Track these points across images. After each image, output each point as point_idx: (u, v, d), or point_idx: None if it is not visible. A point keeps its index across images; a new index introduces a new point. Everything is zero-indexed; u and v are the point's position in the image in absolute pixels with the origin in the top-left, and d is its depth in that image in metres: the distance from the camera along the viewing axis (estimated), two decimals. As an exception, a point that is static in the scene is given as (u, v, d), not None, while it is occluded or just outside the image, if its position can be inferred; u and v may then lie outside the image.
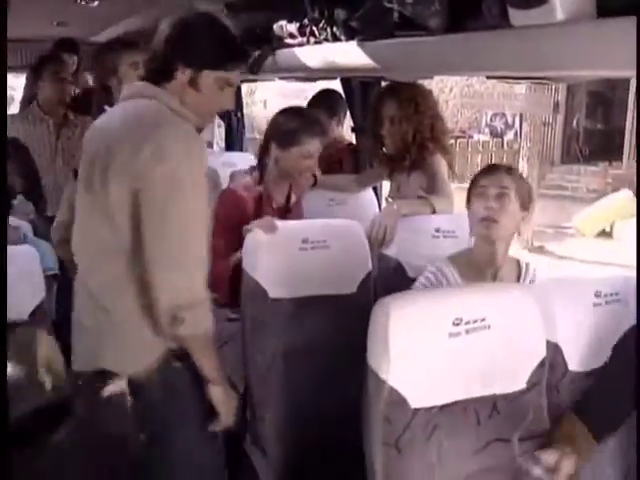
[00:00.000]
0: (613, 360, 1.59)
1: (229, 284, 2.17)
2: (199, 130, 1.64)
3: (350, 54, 2.15)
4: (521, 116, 12.01)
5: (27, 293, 1.91)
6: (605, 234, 9.15)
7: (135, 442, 1.62)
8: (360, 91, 3.09)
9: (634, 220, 8.10)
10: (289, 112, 2.36)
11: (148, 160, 1.51)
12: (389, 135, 2.49)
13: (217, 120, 4.35)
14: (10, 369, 1.52)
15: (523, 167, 9.30)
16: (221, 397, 1.66)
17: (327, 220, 2.31)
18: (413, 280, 2.00)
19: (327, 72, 2.63)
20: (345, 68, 2.33)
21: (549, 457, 1.44)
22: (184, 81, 1.60)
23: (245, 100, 4.88)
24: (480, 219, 1.86)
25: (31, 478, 1.58)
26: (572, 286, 1.71)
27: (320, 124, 2.33)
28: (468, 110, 12.84)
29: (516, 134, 12.14)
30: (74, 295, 1.73)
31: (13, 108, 4.08)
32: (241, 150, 4.27)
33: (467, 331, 1.42)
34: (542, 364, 1.52)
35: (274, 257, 2.04)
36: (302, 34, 2.45)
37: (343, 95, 3.20)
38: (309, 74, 2.78)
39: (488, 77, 2.38)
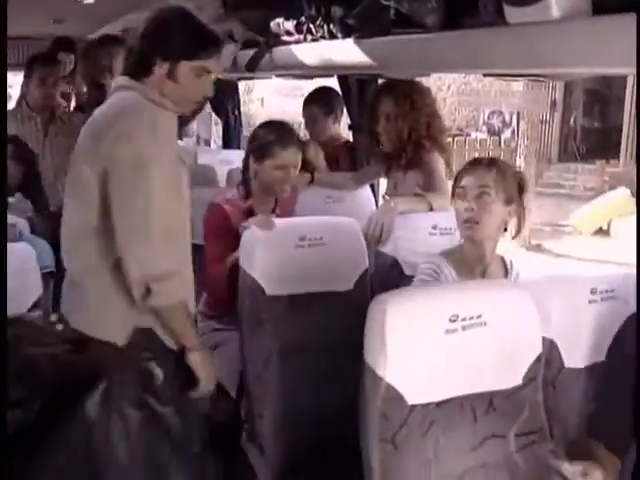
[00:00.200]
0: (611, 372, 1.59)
1: (227, 284, 2.19)
2: (188, 118, 1.76)
3: (347, 51, 2.16)
4: (518, 114, 12.03)
5: (24, 290, 1.91)
6: (602, 232, 9.16)
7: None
8: (357, 88, 3.09)
9: (631, 218, 8.13)
10: (266, 125, 2.42)
11: (113, 142, 1.62)
12: (385, 132, 2.49)
13: (214, 118, 4.35)
14: None
15: (520, 165, 9.30)
16: (200, 362, 1.75)
17: (324, 217, 2.31)
18: (410, 277, 2.01)
19: (324, 69, 2.63)
20: (342, 65, 2.33)
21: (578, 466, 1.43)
22: (162, 74, 1.69)
23: (242, 98, 4.88)
24: (462, 221, 1.86)
25: None
26: (568, 283, 1.72)
27: (294, 135, 2.36)
28: (465, 108, 12.85)
29: (513, 132, 12.15)
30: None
31: (10, 106, 4.07)
32: (238, 148, 4.27)
33: (463, 328, 1.42)
34: (538, 360, 1.52)
35: (271, 254, 2.04)
36: (299, 32, 2.45)
37: (340, 92, 3.20)
38: (306, 72, 2.78)
39: (485, 75, 2.38)
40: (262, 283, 2.02)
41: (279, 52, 2.66)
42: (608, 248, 8.00)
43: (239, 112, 4.41)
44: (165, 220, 1.65)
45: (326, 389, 1.96)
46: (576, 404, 1.70)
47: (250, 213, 2.31)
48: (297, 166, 2.35)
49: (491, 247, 1.89)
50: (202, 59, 1.71)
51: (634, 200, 8.96)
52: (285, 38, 2.56)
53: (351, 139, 3.24)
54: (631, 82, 10.13)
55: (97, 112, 1.75)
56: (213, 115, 5.86)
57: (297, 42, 2.50)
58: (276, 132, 2.33)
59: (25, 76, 3.42)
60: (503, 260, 1.96)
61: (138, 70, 1.71)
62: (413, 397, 1.39)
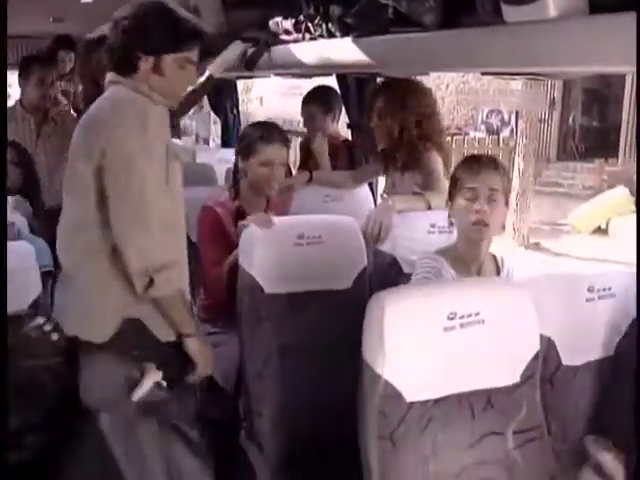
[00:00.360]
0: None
1: (226, 284, 2.20)
2: (177, 112, 1.80)
3: (345, 50, 2.16)
4: (517, 113, 11.99)
5: (24, 288, 1.92)
6: (601, 231, 9.15)
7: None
8: (355, 87, 3.09)
9: (630, 217, 8.13)
10: (254, 125, 2.47)
11: (105, 134, 1.66)
12: (376, 129, 2.50)
13: (213, 117, 4.36)
14: None
15: (519, 164, 9.28)
16: (197, 347, 1.81)
17: (323, 216, 2.32)
18: (408, 275, 2.01)
19: (322, 68, 2.63)
20: (340, 64, 2.33)
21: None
22: (148, 68, 1.74)
23: (241, 97, 4.89)
24: (471, 223, 1.84)
25: None
26: (565, 281, 1.73)
27: (279, 132, 2.38)
28: (464, 107, 12.82)
29: (512, 131, 12.11)
30: None
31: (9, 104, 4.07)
32: (237, 147, 4.27)
33: (462, 325, 1.43)
34: (536, 358, 1.53)
35: (270, 252, 2.05)
36: (297, 30, 2.45)
37: (338, 91, 3.20)
38: (304, 70, 2.78)
39: (483, 73, 2.38)
40: (261, 281, 2.03)
41: (278, 51, 2.66)
42: (607, 247, 8.00)
43: (238, 111, 4.41)
44: (162, 211, 1.69)
45: (325, 387, 1.97)
46: (574, 401, 1.70)
47: (239, 213, 2.31)
48: (283, 163, 2.36)
49: (487, 246, 1.90)
50: (184, 51, 1.76)
51: (633, 199, 8.96)
52: (284, 37, 2.56)
53: (349, 138, 3.25)
54: (630, 81, 10.13)
55: (91, 107, 1.78)
56: (212, 114, 5.86)
57: (296, 41, 2.50)
58: (261, 129, 2.36)
59: (21, 77, 3.43)
60: (495, 258, 1.96)
61: (124, 66, 1.75)
62: (411, 394, 1.40)
